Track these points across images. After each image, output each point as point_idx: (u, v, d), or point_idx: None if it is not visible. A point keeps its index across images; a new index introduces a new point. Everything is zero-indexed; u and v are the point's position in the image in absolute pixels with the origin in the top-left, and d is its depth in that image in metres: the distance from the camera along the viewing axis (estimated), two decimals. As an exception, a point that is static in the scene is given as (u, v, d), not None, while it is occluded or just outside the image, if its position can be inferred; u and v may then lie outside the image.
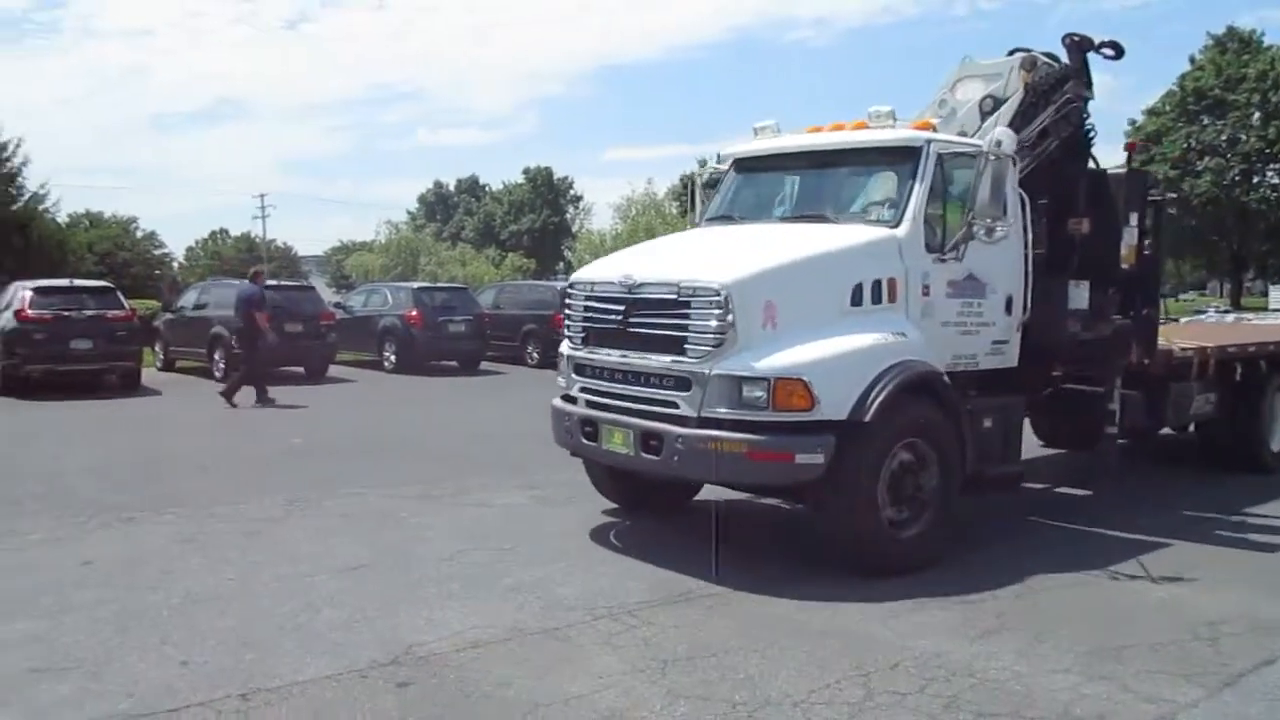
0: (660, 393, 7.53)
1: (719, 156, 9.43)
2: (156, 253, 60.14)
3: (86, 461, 12.12)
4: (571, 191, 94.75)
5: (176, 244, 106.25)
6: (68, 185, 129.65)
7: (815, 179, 8.77)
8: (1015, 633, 6.31)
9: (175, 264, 67.01)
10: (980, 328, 8.36)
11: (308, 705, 5.09)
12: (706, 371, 7.23)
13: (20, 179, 39.23)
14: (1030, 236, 8.65)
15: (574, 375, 8.28)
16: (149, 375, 21.97)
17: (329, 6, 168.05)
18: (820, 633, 6.26)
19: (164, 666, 5.55)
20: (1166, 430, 11.84)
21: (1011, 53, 9.46)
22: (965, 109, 9.43)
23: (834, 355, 7.21)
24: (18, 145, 38.79)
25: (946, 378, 7.78)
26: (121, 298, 21.40)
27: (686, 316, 7.38)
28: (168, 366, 24.46)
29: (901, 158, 8.12)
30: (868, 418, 7.14)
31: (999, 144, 7.78)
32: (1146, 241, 9.70)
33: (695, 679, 5.49)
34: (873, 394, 7.19)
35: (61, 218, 45.27)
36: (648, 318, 7.66)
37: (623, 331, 7.84)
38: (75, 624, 6.21)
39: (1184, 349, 10.36)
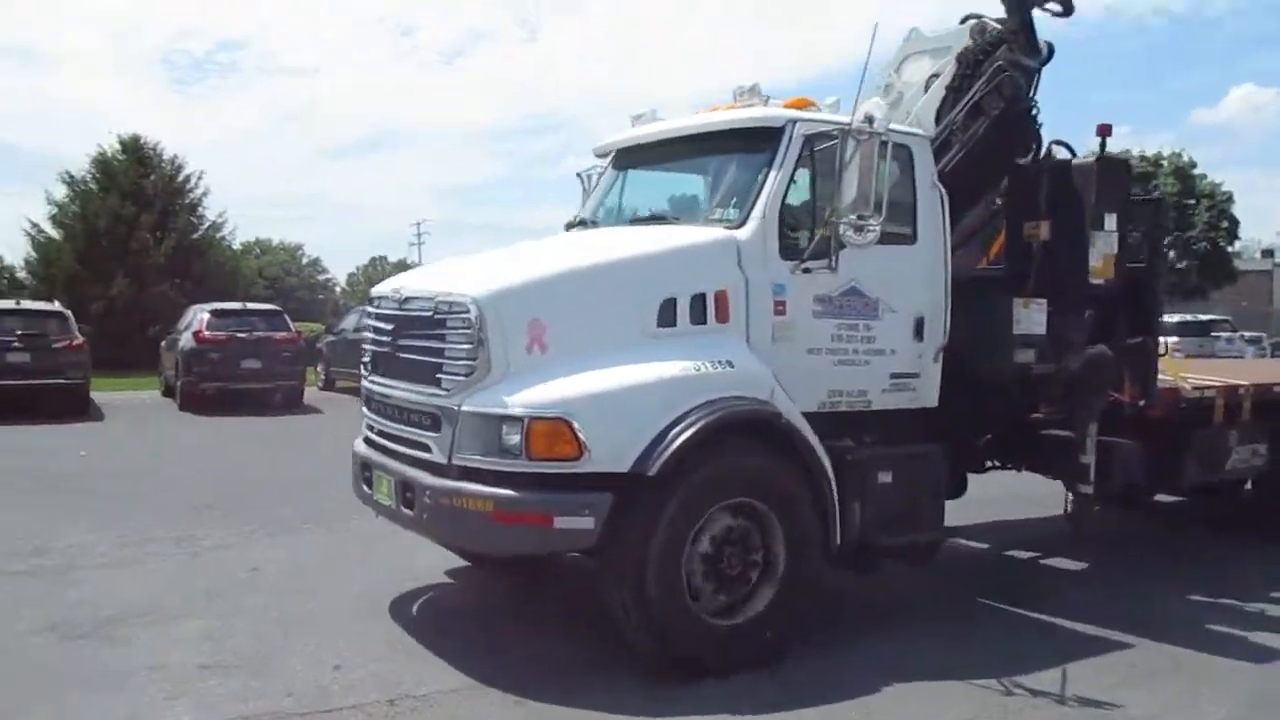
0: (418, 432, 5.77)
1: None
2: (320, 278, 61.37)
3: (254, 474, 12.29)
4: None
5: (339, 269, 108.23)
6: (241, 214, 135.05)
7: (675, 172, 6.83)
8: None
9: (338, 288, 68.63)
10: (871, 357, 6.25)
11: (448, 714, 5.02)
12: (456, 407, 5.43)
13: (201, 209, 40.25)
14: (948, 242, 6.48)
15: (364, 409, 6.57)
16: (311, 394, 22.23)
17: (483, 39, 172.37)
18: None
19: (319, 669, 5.56)
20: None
21: (965, 20, 7.30)
22: (912, 92, 7.36)
23: (616, 389, 5.30)
24: (199, 177, 39.83)
25: (794, 419, 5.69)
26: (288, 320, 21.85)
27: (442, 338, 5.60)
28: (328, 386, 24.43)
29: (760, 143, 6.13)
30: (653, 470, 5.18)
31: (868, 119, 5.68)
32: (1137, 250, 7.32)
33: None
34: (667, 440, 5.23)
35: (235, 245, 46.46)
36: (410, 339, 5.93)
37: (392, 355, 6.12)
38: (243, 626, 6.30)
39: (1199, 386, 7.83)
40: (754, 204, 5.93)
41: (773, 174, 5.97)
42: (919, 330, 6.39)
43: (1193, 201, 48.94)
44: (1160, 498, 10.42)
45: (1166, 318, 34.48)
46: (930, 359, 6.48)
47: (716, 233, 5.93)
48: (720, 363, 5.56)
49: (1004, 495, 9.28)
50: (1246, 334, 36.87)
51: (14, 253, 52.33)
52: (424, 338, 5.76)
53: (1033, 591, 7.34)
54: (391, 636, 6.19)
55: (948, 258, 6.49)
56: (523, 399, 5.23)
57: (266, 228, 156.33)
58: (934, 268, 6.44)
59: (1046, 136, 7.20)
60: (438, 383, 5.57)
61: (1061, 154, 7.31)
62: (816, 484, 5.75)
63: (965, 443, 7.07)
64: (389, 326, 6.14)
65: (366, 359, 6.48)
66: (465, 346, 5.42)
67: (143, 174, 37.87)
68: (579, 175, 7.64)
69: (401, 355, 5.99)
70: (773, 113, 6.20)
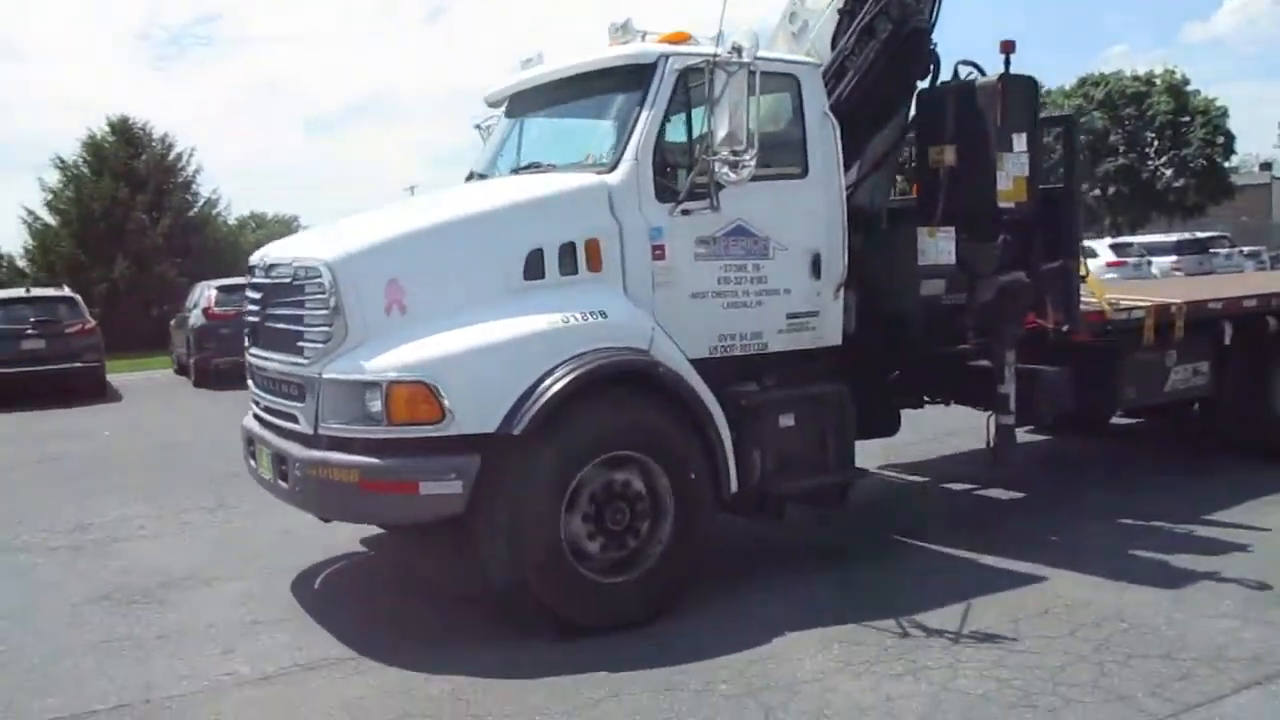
0: (287, 403, 5.54)
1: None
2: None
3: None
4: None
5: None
6: (234, 189, 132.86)
7: (561, 118, 6.50)
8: None
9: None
10: (764, 297, 5.95)
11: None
12: (318, 375, 5.18)
13: (195, 187, 39.90)
14: (842, 174, 6.15)
15: (249, 382, 6.33)
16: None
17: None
18: None
19: (356, 617, 5.72)
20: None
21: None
22: (822, 21, 6.96)
23: (479, 347, 5.04)
24: (191, 155, 39.44)
25: (676, 367, 5.41)
26: None
27: (301, 305, 5.35)
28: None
29: (634, 81, 5.79)
30: (518, 429, 4.93)
31: (736, 50, 5.33)
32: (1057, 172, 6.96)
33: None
34: (534, 397, 4.97)
35: (230, 221, 46.16)
36: (275, 308, 5.69)
37: (262, 325, 5.87)
38: (282, 584, 6.41)
39: (1125, 308, 7.50)
40: (626, 146, 5.61)
41: (645, 113, 5.65)
42: (816, 267, 6.08)
43: (1187, 119, 47.92)
44: (1123, 422, 10.17)
45: (1166, 236, 34.40)
46: (830, 296, 6.18)
47: (585, 178, 5.62)
48: (592, 313, 5.28)
49: (967, 427, 8.98)
50: (1245, 249, 36.03)
51: (12, 241, 52.30)
52: (286, 305, 5.53)
53: (956, 527, 7.07)
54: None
55: (842, 190, 6.15)
56: (381, 363, 4.98)
57: (260, 201, 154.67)
58: (828, 202, 6.11)
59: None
60: (300, 351, 5.33)
61: (972, 77, 6.92)
62: (705, 433, 5.49)
63: (877, 380, 6.77)
64: (259, 296, 5.90)
65: (247, 330, 6.22)
66: (322, 312, 5.17)
67: (133, 155, 37.54)
68: (477, 127, 7.33)
69: (269, 325, 5.76)
70: (643, 49, 5.85)
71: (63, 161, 37.51)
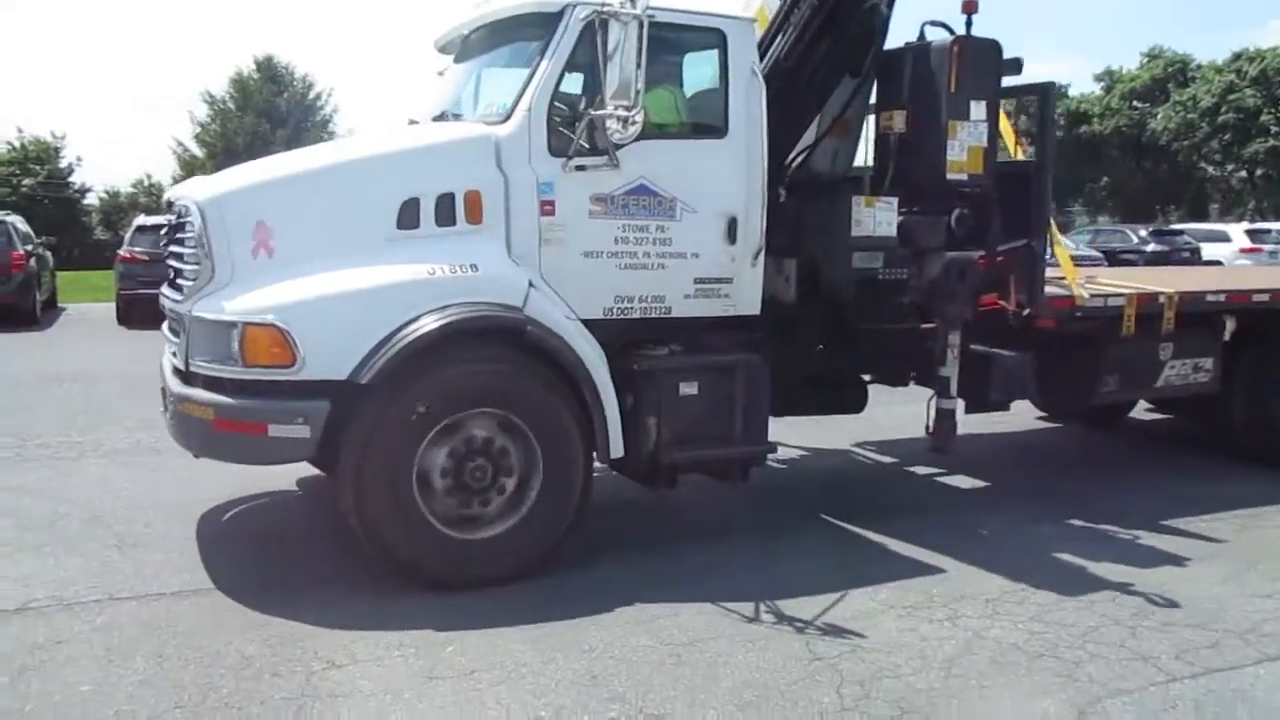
0: (173, 340, 5.50)
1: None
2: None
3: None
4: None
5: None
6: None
7: (478, 65, 6.21)
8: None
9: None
10: (668, 260, 5.59)
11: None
12: (188, 312, 5.11)
13: (332, 126, 41.10)
14: (764, 136, 5.71)
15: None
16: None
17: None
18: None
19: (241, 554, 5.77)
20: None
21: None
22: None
23: (337, 294, 4.88)
24: (330, 95, 40.78)
25: (554, 326, 5.15)
26: None
27: (182, 242, 5.29)
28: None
29: (541, 30, 5.48)
30: (366, 379, 4.77)
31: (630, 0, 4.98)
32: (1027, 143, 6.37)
33: None
34: (386, 347, 4.80)
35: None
36: (169, 244, 5.65)
37: (164, 261, 5.83)
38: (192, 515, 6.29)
39: (1101, 295, 6.84)
40: (520, 97, 5.33)
41: (544, 63, 5.33)
42: (731, 232, 5.68)
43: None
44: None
45: (1268, 226, 31.82)
46: (747, 263, 5.77)
47: (470, 129, 5.37)
48: (463, 266, 5.05)
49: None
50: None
51: (164, 170, 54.21)
52: (173, 243, 5.48)
53: (887, 510, 6.60)
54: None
55: (764, 152, 5.71)
56: (240, 304, 4.87)
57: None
58: (749, 164, 5.68)
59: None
60: (179, 288, 5.28)
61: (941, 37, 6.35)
62: (581, 395, 5.23)
63: (805, 353, 6.34)
64: (164, 234, 5.87)
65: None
66: (193, 250, 5.10)
67: (276, 92, 38.89)
68: (440, 74, 7.10)
69: (167, 263, 5.72)
70: (555, -5, 5.52)
71: (211, 97, 39.16)
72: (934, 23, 6.30)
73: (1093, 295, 6.74)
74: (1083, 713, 3.95)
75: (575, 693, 4.04)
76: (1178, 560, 5.78)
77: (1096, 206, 54.86)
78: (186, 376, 5.21)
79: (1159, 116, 49.04)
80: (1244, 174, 48.99)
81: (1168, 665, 4.35)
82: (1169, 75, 50.24)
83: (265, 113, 37.76)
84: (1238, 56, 46.75)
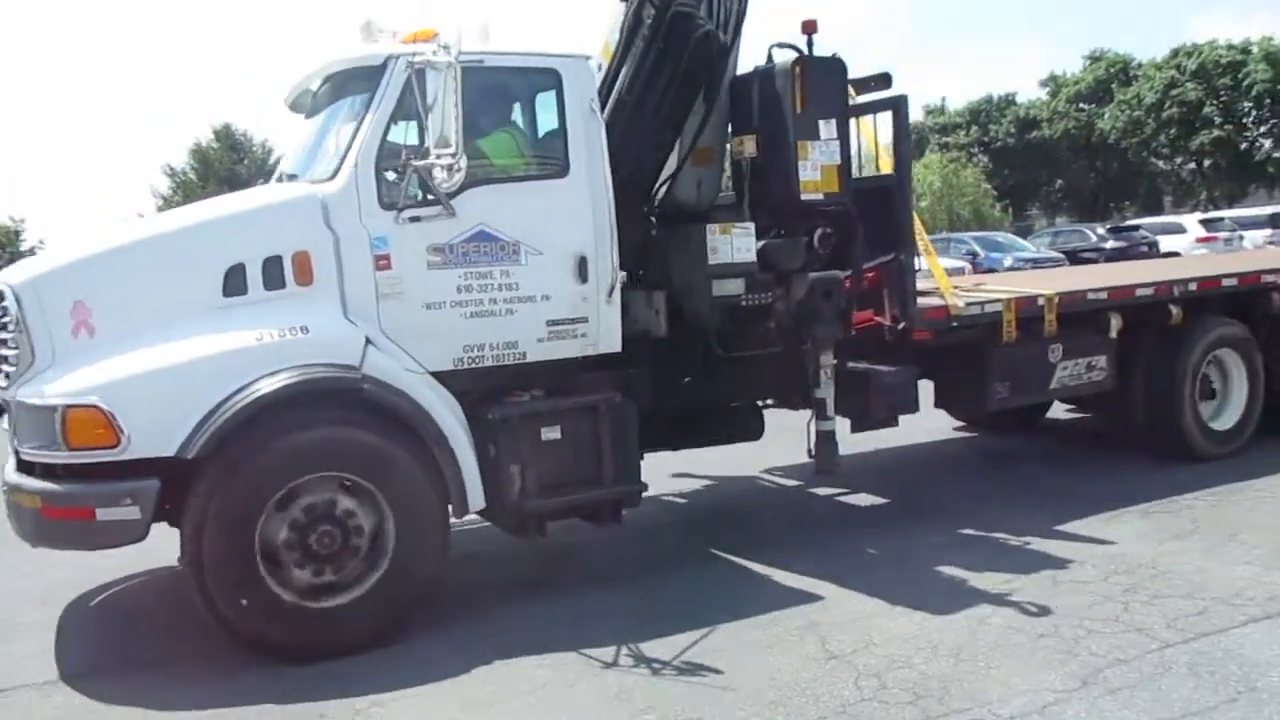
0: (5, 427, 5.27)
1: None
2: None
3: None
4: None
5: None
6: None
7: (323, 121, 6.04)
8: None
9: None
10: (516, 305, 5.41)
11: None
12: (12, 398, 4.91)
13: None
14: (607, 171, 5.56)
15: None
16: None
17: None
18: None
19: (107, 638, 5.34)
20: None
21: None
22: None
23: (159, 369, 4.68)
24: None
25: (393, 383, 4.95)
26: None
27: (5, 327, 5.07)
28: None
29: (368, 85, 5.33)
30: (192, 453, 4.57)
31: (445, 48, 4.84)
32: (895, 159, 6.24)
33: None
34: (212, 419, 4.59)
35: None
36: None
37: None
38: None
39: (976, 302, 6.69)
40: (347, 153, 5.17)
41: (369, 117, 5.18)
42: (582, 271, 5.51)
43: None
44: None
45: (1260, 209, 31.87)
46: (601, 301, 5.59)
47: (294, 190, 5.21)
48: (293, 329, 4.86)
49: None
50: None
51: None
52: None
53: (776, 539, 6.40)
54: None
55: (608, 188, 5.55)
56: (60, 387, 4.66)
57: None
58: (593, 201, 5.51)
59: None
60: (4, 374, 5.07)
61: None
62: (430, 451, 5.03)
63: (677, 386, 6.15)
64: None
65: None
66: (13, 335, 4.89)
67: (237, 160, 38.86)
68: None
69: None
70: (374, 50, 5.37)
71: (172, 170, 39.13)
72: (781, 45, 6.17)
73: (969, 303, 6.60)
74: (1085, 683, 4.15)
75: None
76: (1159, 539, 5.94)
77: (1053, 209, 55.14)
78: (23, 465, 5.00)
79: (1106, 116, 49.41)
80: (1193, 165, 49.21)
81: (1160, 634, 4.58)
82: (1111, 76, 50.67)
83: (227, 180, 37.50)
84: (1176, 53, 47.13)
